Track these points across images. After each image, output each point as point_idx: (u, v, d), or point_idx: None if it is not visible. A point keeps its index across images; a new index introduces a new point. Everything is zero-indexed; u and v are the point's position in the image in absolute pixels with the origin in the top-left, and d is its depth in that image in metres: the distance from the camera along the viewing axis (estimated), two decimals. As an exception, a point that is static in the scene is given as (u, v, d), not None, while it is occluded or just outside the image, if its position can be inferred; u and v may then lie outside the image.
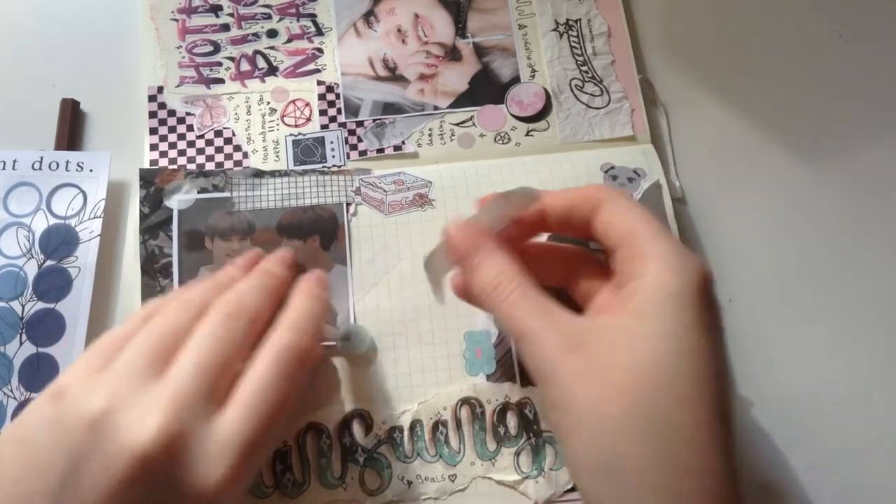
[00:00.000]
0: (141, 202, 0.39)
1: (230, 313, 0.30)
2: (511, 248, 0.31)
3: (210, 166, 0.41)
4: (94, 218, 0.39)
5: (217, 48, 0.44)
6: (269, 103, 0.43)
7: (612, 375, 0.26)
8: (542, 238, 0.35)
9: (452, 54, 0.45)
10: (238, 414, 0.27)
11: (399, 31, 0.45)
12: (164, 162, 0.41)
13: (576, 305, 0.32)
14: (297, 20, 0.45)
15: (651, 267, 0.28)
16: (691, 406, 0.26)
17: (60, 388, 0.27)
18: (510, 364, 0.38)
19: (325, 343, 0.36)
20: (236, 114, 0.43)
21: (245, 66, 0.44)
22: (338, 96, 0.44)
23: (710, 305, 0.27)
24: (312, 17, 0.45)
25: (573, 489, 0.35)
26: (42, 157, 0.40)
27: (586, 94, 0.44)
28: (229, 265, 0.36)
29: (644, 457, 0.25)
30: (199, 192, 0.39)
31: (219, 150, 0.42)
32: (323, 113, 0.43)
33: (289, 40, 0.45)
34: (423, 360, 0.37)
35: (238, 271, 0.35)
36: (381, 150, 0.42)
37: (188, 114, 0.43)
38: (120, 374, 0.27)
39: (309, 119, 0.43)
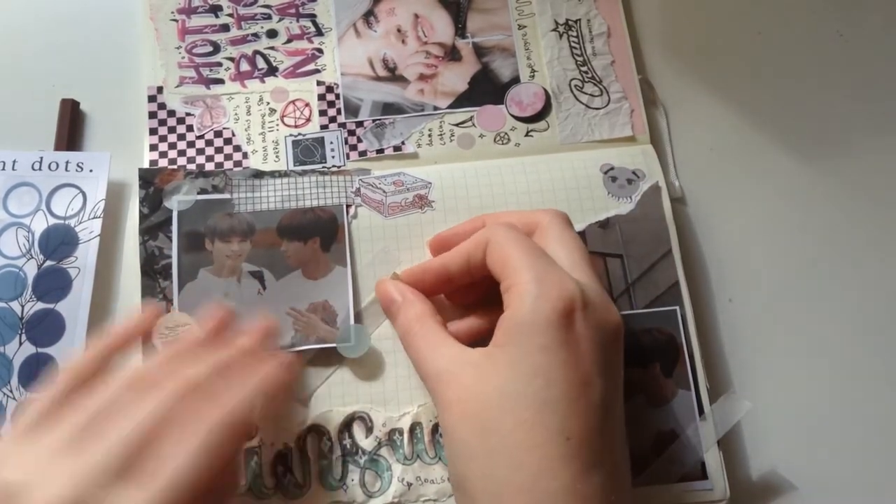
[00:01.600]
0: (140, 202, 0.39)
1: (173, 390, 0.29)
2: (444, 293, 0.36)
3: (210, 166, 0.41)
4: (94, 218, 0.39)
5: (217, 48, 0.44)
6: (268, 103, 0.43)
7: (469, 403, 0.29)
8: None
9: (452, 54, 0.45)
10: (151, 489, 0.27)
11: (399, 31, 0.45)
12: (163, 162, 0.41)
13: None
14: (297, 20, 0.45)
15: (511, 298, 0.30)
16: (529, 428, 0.28)
17: None
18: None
19: (325, 345, 0.36)
20: (236, 114, 0.43)
21: (245, 67, 0.44)
22: (337, 96, 0.44)
23: (567, 327, 0.29)
24: (312, 17, 0.45)
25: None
26: (42, 158, 0.40)
27: (586, 94, 0.44)
28: (194, 327, 0.34)
29: (482, 478, 0.28)
30: (198, 193, 0.39)
31: (219, 150, 0.42)
32: (323, 113, 0.43)
33: (288, 40, 0.45)
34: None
35: (204, 335, 0.33)
36: (380, 151, 0.42)
37: (188, 114, 0.43)
38: (45, 447, 0.28)
39: (309, 119, 0.43)
